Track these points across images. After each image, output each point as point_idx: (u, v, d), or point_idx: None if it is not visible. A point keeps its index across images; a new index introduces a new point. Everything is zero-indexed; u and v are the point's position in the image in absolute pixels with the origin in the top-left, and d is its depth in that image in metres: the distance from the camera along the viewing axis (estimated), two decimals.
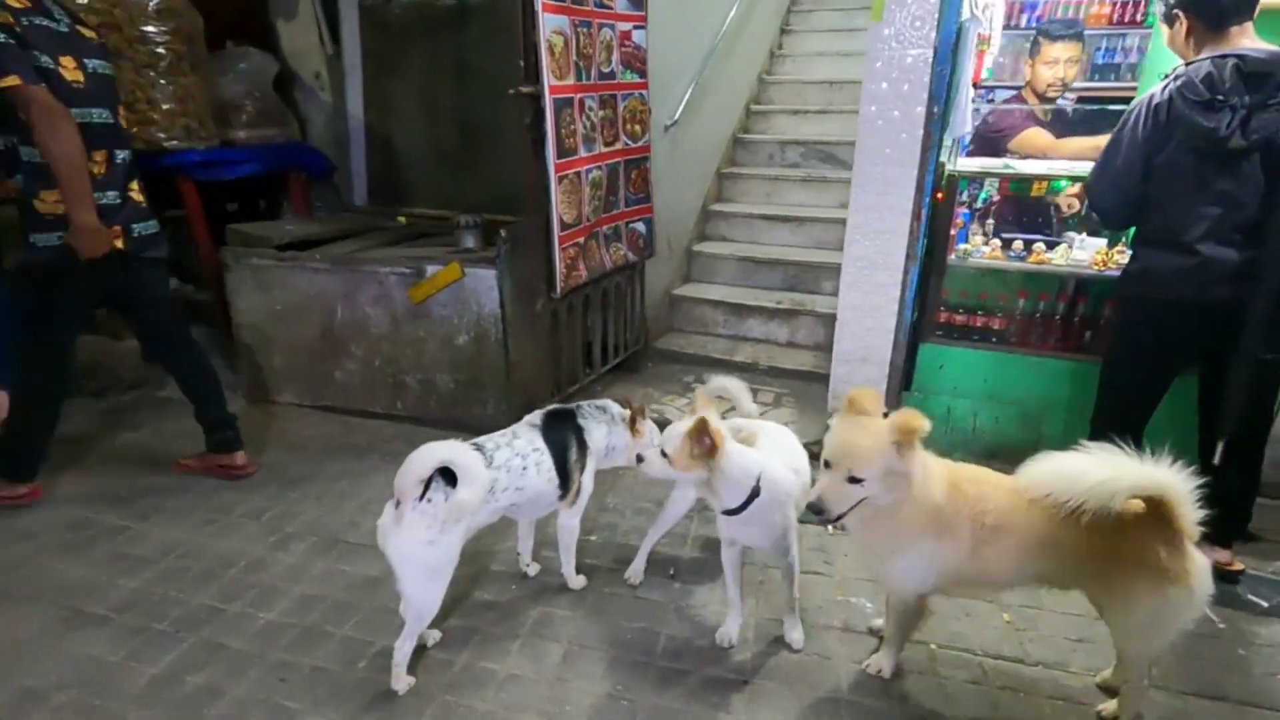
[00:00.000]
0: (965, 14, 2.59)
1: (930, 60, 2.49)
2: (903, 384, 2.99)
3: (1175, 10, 2.27)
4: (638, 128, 3.37)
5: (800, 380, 3.85)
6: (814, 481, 1.82)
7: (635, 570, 2.39)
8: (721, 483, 1.86)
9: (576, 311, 3.30)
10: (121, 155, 2.55)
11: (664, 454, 1.89)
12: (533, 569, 2.40)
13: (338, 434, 3.40)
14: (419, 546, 1.77)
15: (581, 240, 3.06)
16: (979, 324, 2.94)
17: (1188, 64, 2.22)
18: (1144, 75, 3.16)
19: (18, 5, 2.26)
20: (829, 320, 4.16)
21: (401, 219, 4.11)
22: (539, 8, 2.56)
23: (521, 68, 2.65)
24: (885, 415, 1.72)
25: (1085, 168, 2.63)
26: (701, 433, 1.81)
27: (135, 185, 2.60)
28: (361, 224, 4.00)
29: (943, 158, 2.79)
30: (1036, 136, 3.36)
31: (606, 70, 3.07)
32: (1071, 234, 2.95)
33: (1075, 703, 1.95)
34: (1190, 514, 1.63)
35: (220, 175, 3.70)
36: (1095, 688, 1.99)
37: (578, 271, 3.07)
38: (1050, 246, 2.81)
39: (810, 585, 2.34)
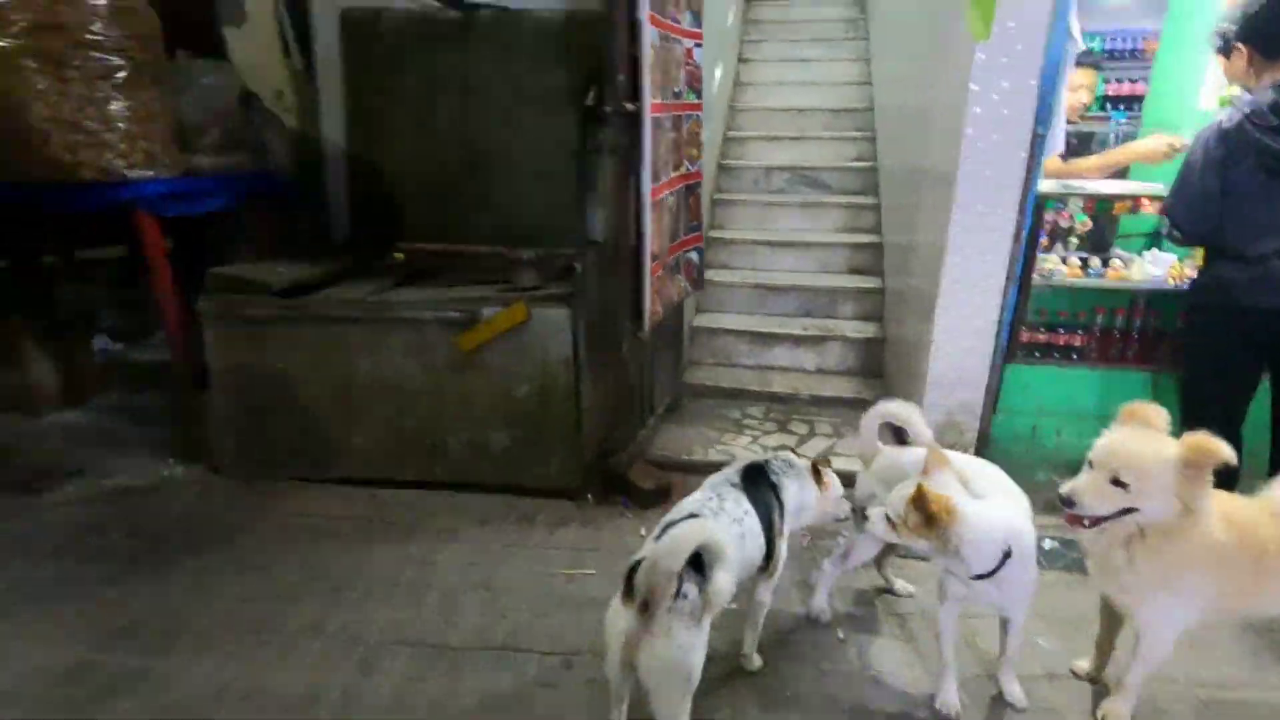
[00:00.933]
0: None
1: (1036, 84, 2.48)
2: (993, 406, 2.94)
3: (1234, 43, 2.41)
4: (695, 151, 3.15)
5: (846, 408, 3.73)
6: None
7: (820, 606, 2.27)
8: (964, 549, 1.68)
9: (648, 351, 3.00)
10: None
11: (888, 518, 1.74)
12: None
13: (368, 512, 2.85)
14: (684, 654, 1.43)
15: (661, 272, 2.78)
16: (1061, 342, 2.97)
17: (1251, 92, 2.36)
18: None
19: None
20: (858, 345, 4.14)
21: (399, 255, 3.60)
22: (643, 18, 2.30)
23: (621, 83, 2.36)
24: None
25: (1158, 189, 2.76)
26: (921, 503, 1.64)
27: None
28: (351, 263, 3.46)
29: None
30: (1049, 161, 3.51)
31: (677, 90, 2.83)
32: (1120, 251, 3.09)
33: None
34: None
35: (187, 210, 3.05)
36: None
37: (656, 307, 2.79)
38: (1126, 263, 2.89)
39: (981, 631, 2.18)
